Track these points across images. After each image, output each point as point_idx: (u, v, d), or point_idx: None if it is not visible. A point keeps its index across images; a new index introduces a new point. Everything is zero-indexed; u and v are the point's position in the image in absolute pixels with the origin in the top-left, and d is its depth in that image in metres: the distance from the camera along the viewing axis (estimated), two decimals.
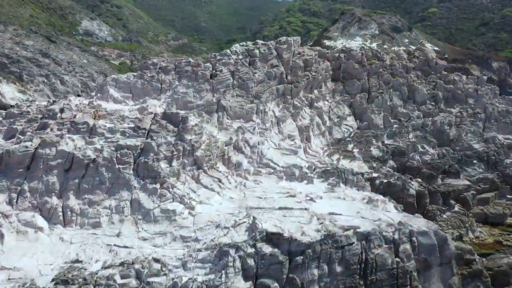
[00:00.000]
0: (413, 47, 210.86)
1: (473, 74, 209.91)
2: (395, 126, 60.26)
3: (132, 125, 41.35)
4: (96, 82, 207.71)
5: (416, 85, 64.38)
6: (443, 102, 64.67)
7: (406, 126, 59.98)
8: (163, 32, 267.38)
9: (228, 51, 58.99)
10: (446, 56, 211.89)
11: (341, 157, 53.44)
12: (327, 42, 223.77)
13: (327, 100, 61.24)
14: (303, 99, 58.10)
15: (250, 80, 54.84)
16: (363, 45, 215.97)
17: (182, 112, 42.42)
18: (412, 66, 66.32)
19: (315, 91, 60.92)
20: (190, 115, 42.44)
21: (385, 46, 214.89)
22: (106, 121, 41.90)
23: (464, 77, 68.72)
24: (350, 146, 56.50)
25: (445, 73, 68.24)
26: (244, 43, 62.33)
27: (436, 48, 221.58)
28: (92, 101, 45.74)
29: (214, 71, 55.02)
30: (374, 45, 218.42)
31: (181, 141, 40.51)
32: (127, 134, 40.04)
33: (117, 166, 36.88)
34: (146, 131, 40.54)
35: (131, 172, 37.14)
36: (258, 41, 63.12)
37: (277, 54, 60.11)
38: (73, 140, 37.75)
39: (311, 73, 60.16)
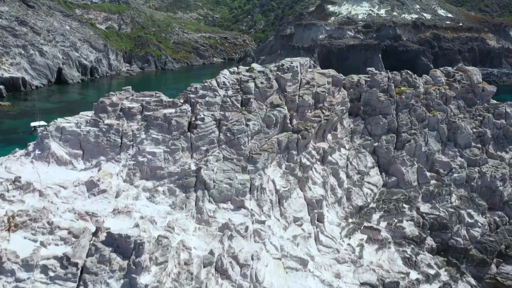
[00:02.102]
0: (426, 15, 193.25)
1: (489, 44, 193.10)
2: (432, 182, 46.13)
3: (60, 254, 27.24)
4: (79, 52, 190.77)
5: (459, 122, 49.68)
6: (493, 143, 50.20)
7: (447, 183, 45.83)
8: None
9: (214, 82, 44.15)
10: (461, 24, 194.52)
11: (364, 239, 39.72)
12: (330, 8, 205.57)
13: (344, 147, 46.69)
14: (314, 152, 43.55)
15: (242, 133, 40.42)
16: (370, 12, 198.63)
17: (134, 235, 28.07)
18: (453, 95, 51.20)
19: (329, 135, 46.31)
20: (145, 241, 28.09)
21: (394, 13, 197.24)
22: (21, 245, 27.86)
23: None
24: (375, 217, 42.65)
25: (495, 102, 53.13)
26: (235, 69, 47.15)
27: (449, 15, 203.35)
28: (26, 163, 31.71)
29: (194, 119, 40.65)
30: (382, 11, 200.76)
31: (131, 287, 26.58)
32: (48, 278, 26.01)
33: None
34: (79, 271, 26.46)
35: None
36: (254, 65, 47.86)
37: (279, 86, 45.28)
38: None
39: (323, 112, 45.35)
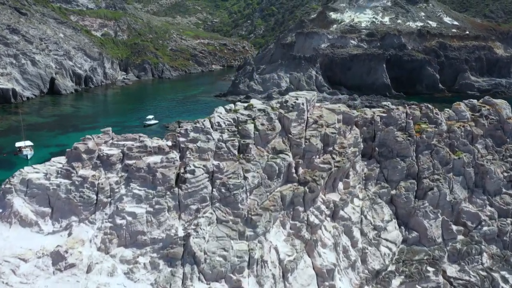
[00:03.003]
0: (431, 23, 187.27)
1: (497, 53, 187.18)
2: (459, 238, 39.95)
3: None
4: (73, 61, 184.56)
5: (487, 165, 43.46)
6: None
7: (477, 239, 39.64)
8: None
9: (207, 122, 38.05)
10: (468, 32, 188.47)
11: None
12: (332, 15, 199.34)
13: (358, 197, 40.49)
14: (323, 207, 37.32)
15: (239, 189, 34.30)
16: (373, 19, 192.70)
17: None
18: (480, 133, 44.95)
19: (340, 184, 40.10)
20: None
21: (399, 21, 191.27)
22: None
23: None
24: (394, 283, 36.45)
25: None
26: (231, 106, 40.92)
27: (455, 23, 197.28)
28: None
29: (182, 171, 34.66)
30: (386, 19, 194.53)
31: None
32: None
33: None
34: None
35: None
36: (253, 101, 41.66)
37: (282, 127, 39.16)
38: None
39: (333, 158, 39.17)
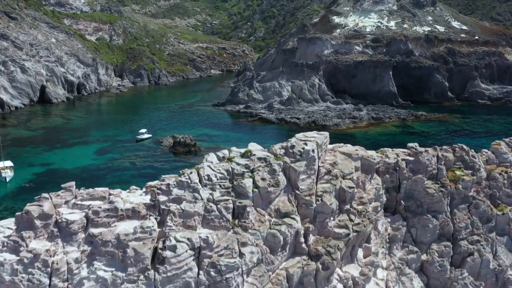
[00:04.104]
0: (439, 27, 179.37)
1: (507, 59, 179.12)
2: None
3: None
4: (66, 67, 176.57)
5: None
6: None
7: None
8: None
9: (194, 175, 30.32)
10: (477, 37, 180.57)
11: None
12: (336, 19, 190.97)
13: (381, 267, 32.72)
14: (340, 286, 29.56)
15: (233, 271, 26.59)
16: (379, 24, 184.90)
17: None
18: None
19: (359, 251, 32.35)
20: None
21: (405, 26, 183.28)
22: None
23: None
24: None
25: None
26: (225, 153, 33.01)
27: (464, 27, 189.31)
28: None
29: (161, 246, 27.15)
30: (392, 23, 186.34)
31: None
32: None
33: None
34: None
35: None
36: (251, 146, 33.80)
37: (288, 180, 31.47)
38: None
39: (351, 219, 31.46)
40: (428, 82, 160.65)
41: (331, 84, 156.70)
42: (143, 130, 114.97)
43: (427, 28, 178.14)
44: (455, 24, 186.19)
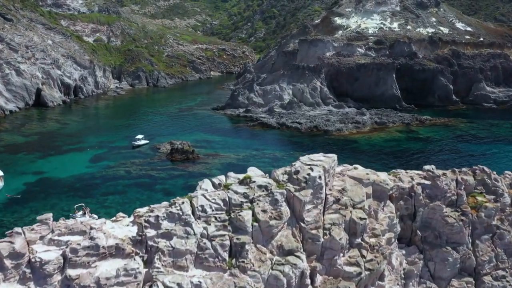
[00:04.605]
0: (443, 29, 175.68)
1: None
2: None
3: None
4: (62, 70, 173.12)
5: None
6: None
7: None
8: None
9: (187, 206, 26.78)
10: (482, 39, 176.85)
11: None
12: (337, 20, 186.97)
13: None
14: None
15: None
16: (381, 25, 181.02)
17: None
18: None
19: None
20: None
21: (409, 27, 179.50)
22: None
23: None
24: None
25: None
26: (221, 179, 29.42)
27: (469, 29, 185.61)
28: None
29: None
30: (395, 25, 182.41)
31: None
32: None
33: None
34: None
35: None
36: (251, 171, 30.24)
37: (292, 211, 28.01)
38: None
39: (363, 256, 27.98)
40: (432, 85, 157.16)
41: (333, 87, 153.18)
42: (140, 136, 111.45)
43: (431, 30, 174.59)
44: (459, 25, 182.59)
